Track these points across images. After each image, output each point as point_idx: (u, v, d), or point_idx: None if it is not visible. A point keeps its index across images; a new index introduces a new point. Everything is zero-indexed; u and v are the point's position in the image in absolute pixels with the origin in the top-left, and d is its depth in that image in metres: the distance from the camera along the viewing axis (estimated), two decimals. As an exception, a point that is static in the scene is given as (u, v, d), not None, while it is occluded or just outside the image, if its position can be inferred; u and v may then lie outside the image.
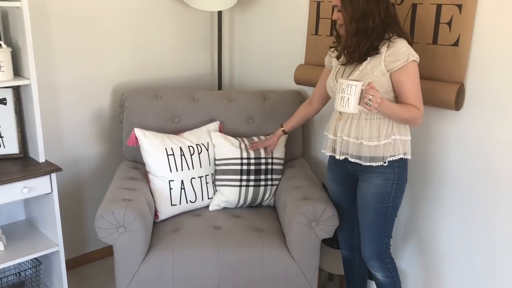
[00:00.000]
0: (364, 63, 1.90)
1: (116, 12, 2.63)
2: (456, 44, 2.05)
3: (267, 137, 2.45)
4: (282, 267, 2.09)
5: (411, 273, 2.42)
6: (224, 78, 3.17)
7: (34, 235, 2.32)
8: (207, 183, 2.38)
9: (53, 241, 2.26)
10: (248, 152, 2.39)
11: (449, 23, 2.06)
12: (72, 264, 2.68)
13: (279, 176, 2.45)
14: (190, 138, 2.40)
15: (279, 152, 2.46)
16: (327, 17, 2.52)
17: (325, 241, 2.52)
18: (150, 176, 2.31)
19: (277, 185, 2.44)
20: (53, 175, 2.14)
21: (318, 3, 2.55)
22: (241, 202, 2.39)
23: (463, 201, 2.14)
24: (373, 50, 1.86)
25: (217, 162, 2.41)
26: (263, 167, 2.40)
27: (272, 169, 2.42)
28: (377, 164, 1.92)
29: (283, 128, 2.34)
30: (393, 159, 1.92)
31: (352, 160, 1.95)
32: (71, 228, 2.67)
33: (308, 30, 2.64)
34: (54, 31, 2.42)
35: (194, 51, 3.04)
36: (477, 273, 2.14)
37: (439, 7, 2.08)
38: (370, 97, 1.74)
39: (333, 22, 2.08)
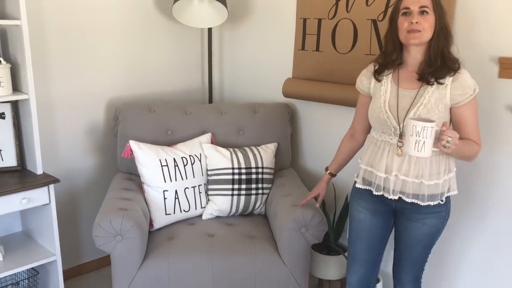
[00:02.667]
0: (427, 95, 1.73)
1: (111, 29, 2.72)
2: (434, 57, 2.17)
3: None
4: (274, 272, 2.17)
5: None
6: (214, 92, 3.27)
7: (31, 245, 2.37)
8: (200, 192, 2.46)
9: (50, 251, 2.31)
10: (239, 162, 2.48)
11: (427, 38, 2.19)
12: (67, 275, 2.71)
13: (270, 185, 2.54)
14: (183, 149, 2.49)
15: (269, 162, 2.55)
16: (313, 33, 2.64)
17: (314, 248, 2.60)
18: (145, 187, 2.39)
19: (268, 193, 2.53)
20: (51, 186, 2.21)
21: (304, 20, 2.68)
22: (233, 210, 2.47)
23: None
24: (441, 77, 1.71)
25: (209, 173, 2.49)
26: (253, 176, 2.49)
27: (262, 178, 2.51)
28: (435, 203, 1.78)
29: (329, 171, 2.14)
30: (448, 195, 1.81)
31: (409, 200, 1.78)
32: (66, 240, 2.71)
33: (295, 46, 2.76)
34: (50, 47, 2.50)
35: (186, 66, 3.14)
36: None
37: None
38: (449, 139, 1.60)
39: (393, 34, 1.79)
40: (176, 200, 2.38)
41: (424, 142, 1.60)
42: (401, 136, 1.75)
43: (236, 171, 2.47)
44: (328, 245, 2.60)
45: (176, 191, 2.38)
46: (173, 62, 3.06)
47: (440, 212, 1.81)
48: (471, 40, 2.06)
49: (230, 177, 2.46)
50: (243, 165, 2.48)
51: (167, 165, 2.38)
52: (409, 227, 1.85)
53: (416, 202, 1.77)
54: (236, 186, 2.45)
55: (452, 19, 2.09)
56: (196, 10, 2.87)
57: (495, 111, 2.03)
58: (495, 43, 1.98)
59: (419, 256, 1.90)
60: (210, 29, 3.03)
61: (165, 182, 2.36)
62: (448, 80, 1.71)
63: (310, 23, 2.65)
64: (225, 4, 2.76)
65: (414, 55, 1.76)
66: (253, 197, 2.48)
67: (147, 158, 2.37)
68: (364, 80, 1.91)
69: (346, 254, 2.54)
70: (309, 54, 2.69)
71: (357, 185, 1.92)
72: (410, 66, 1.78)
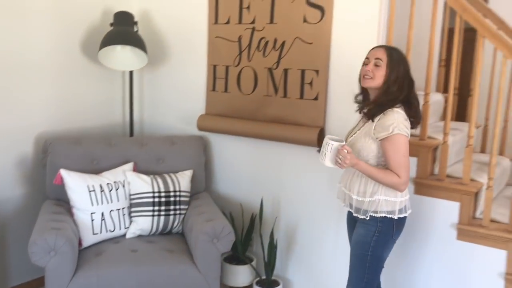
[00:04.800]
0: (362, 127, 2.14)
1: (41, 70, 3.01)
2: (316, 98, 2.75)
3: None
4: (190, 278, 2.54)
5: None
6: (135, 127, 3.62)
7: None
8: (123, 214, 2.79)
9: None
10: (159, 187, 2.85)
11: (310, 83, 2.77)
12: (-7, 299, 2.88)
13: (186, 206, 2.93)
14: (108, 176, 2.82)
15: (185, 186, 2.95)
16: (222, 77, 3.14)
17: (226, 260, 3.01)
18: (74, 210, 2.68)
19: (185, 214, 2.92)
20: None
21: (214, 66, 3.17)
22: (154, 229, 2.83)
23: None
24: (376, 114, 2.05)
25: (132, 197, 2.83)
26: (172, 199, 2.87)
27: (180, 200, 2.89)
28: (361, 216, 2.14)
29: None
30: (375, 215, 2.10)
31: (347, 208, 2.24)
32: (-7, 265, 2.89)
33: (207, 87, 3.24)
34: (-17, 86, 2.76)
35: (109, 103, 3.48)
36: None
37: (303, 71, 2.79)
38: (340, 157, 1.99)
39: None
40: (103, 221, 2.69)
41: (325, 154, 2.03)
42: None
43: (156, 194, 2.84)
44: (237, 257, 3.03)
45: (102, 213, 2.70)
46: (98, 100, 3.40)
47: (368, 226, 2.12)
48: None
49: (151, 200, 2.82)
50: (162, 189, 2.86)
51: (94, 191, 2.70)
52: (353, 234, 2.23)
53: (350, 210, 2.20)
54: (156, 208, 2.82)
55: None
56: (119, 55, 3.27)
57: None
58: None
59: (353, 266, 2.19)
60: (131, 71, 3.42)
61: (92, 205, 2.68)
62: (377, 118, 2.06)
63: (220, 69, 3.15)
64: (145, 50, 3.18)
65: (372, 97, 2.14)
66: (171, 217, 2.86)
67: (76, 184, 2.68)
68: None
69: (252, 263, 2.99)
70: (219, 94, 3.17)
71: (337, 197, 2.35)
72: None
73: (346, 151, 2.01)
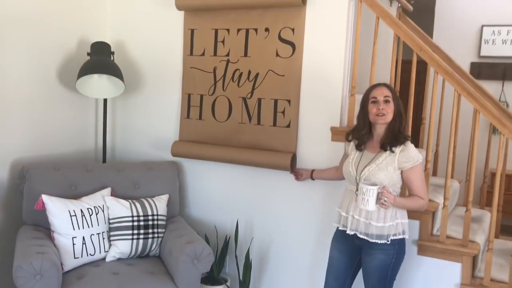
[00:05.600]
0: (381, 158, 2.32)
1: (15, 95, 3.05)
2: (288, 126, 2.97)
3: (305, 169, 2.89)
4: (172, 298, 2.64)
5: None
6: (107, 153, 3.69)
7: None
8: (103, 238, 2.86)
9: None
10: (137, 211, 2.94)
11: (283, 112, 2.99)
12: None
13: (163, 230, 3.03)
14: (88, 201, 2.88)
15: (162, 210, 3.05)
16: (196, 105, 3.30)
17: (201, 281, 3.12)
18: (55, 235, 2.72)
19: (162, 237, 3.01)
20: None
21: (189, 95, 3.33)
22: (133, 252, 2.90)
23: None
24: (394, 146, 2.30)
25: (111, 221, 2.91)
26: (150, 222, 2.96)
27: (157, 224, 2.99)
28: (382, 242, 2.32)
29: (312, 171, 2.83)
30: (394, 238, 2.34)
31: (361, 236, 2.35)
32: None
33: (181, 114, 3.38)
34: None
35: (82, 130, 3.54)
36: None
37: (276, 101, 3.01)
38: (385, 198, 2.20)
39: (364, 116, 2.39)
40: (84, 245, 2.75)
41: (367, 200, 2.20)
42: (357, 186, 2.33)
43: (135, 218, 2.92)
44: (212, 278, 3.14)
45: (83, 237, 2.75)
46: (71, 126, 3.45)
47: (388, 250, 2.33)
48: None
49: (130, 223, 2.90)
50: (141, 213, 2.95)
51: (75, 215, 2.76)
52: (365, 260, 2.41)
53: (366, 238, 2.33)
54: (135, 231, 2.90)
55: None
56: (96, 84, 3.36)
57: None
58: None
59: (376, 285, 2.39)
60: (105, 99, 3.51)
61: (73, 230, 2.73)
62: (398, 149, 2.30)
63: (194, 97, 3.31)
64: (121, 78, 3.29)
65: (379, 131, 2.37)
66: (149, 240, 2.95)
67: (58, 209, 2.73)
68: (346, 146, 2.55)
69: (227, 283, 3.12)
70: (194, 121, 3.33)
71: (334, 224, 2.52)
72: (376, 138, 2.39)
73: (386, 191, 2.23)
